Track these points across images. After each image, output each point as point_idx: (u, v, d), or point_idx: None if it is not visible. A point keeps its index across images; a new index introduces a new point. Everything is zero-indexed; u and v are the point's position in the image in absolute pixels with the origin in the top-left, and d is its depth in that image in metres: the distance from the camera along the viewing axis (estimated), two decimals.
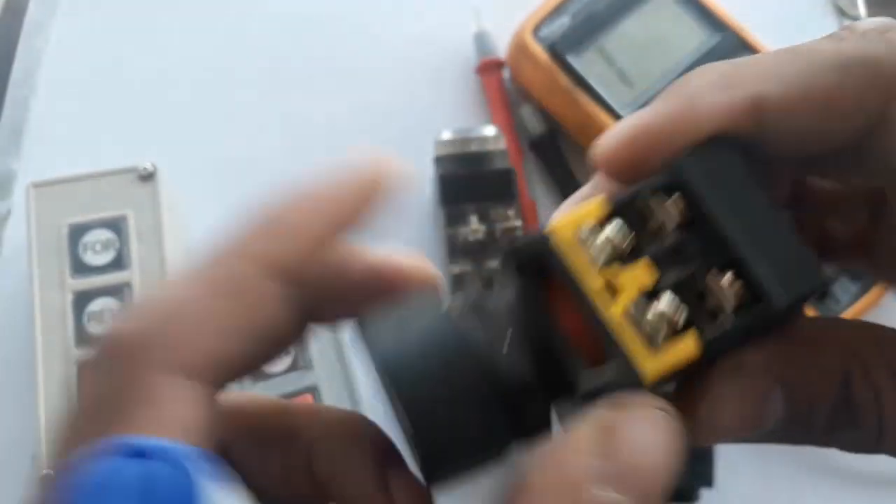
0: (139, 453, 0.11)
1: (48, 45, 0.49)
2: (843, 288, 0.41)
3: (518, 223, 0.42)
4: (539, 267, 0.16)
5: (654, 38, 0.45)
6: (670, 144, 0.16)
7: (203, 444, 0.14)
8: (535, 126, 0.46)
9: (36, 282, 0.38)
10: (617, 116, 0.43)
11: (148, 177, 0.40)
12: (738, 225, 0.15)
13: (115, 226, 0.39)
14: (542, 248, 0.16)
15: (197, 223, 0.43)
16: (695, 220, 0.15)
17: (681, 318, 0.15)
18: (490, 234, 0.42)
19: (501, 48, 0.48)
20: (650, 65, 0.44)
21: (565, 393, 0.16)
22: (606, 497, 0.13)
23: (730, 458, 0.41)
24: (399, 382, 0.16)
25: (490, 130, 0.43)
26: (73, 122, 0.47)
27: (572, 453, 0.14)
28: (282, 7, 0.50)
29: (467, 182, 0.42)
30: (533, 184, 0.47)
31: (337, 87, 0.48)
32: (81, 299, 0.38)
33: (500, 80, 0.48)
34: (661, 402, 0.15)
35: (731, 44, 0.45)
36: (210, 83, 0.48)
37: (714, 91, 0.16)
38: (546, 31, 0.45)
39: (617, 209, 0.16)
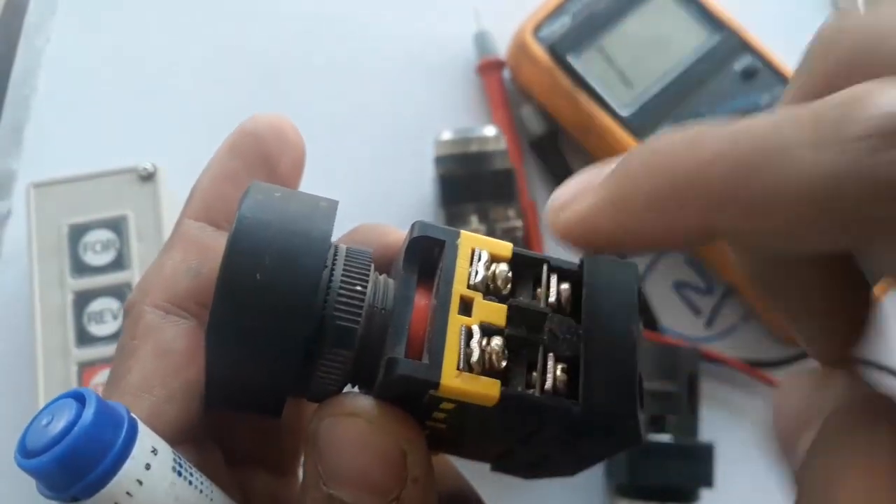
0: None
1: (48, 44, 0.49)
2: None
3: (518, 223, 0.42)
4: (433, 256, 0.17)
5: (654, 38, 0.45)
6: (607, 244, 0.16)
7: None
8: (536, 126, 0.46)
9: (36, 282, 0.38)
10: (617, 116, 0.43)
11: (148, 177, 0.40)
12: (598, 338, 0.16)
13: (115, 226, 0.39)
14: (449, 238, 0.17)
15: None
16: (571, 311, 0.17)
17: (499, 365, 0.16)
18: (490, 234, 0.42)
19: (502, 48, 0.48)
20: (650, 65, 0.44)
21: (370, 373, 0.17)
22: (323, 493, 0.16)
23: (729, 459, 0.41)
24: (235, 255, 0.16)
25: (490, 130, 0.43)
26: (73, 122, 0.47)
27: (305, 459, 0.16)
28: (282, 7, 0.50)
29: (467, 182, 0.42)
30: (533, 184, 0.47)
31: (337, 88, 0.48)
32: (81, 299, 0.38)
33: (500, 80, 0.48)
34: (362, 407, 0.16)
35: (731, 44, 0.45)
36: (210, 83, 0.48)
37: (664, 207, 0.14)
38: (546, 31, 0.45)
39: (517, 257, 0.17)
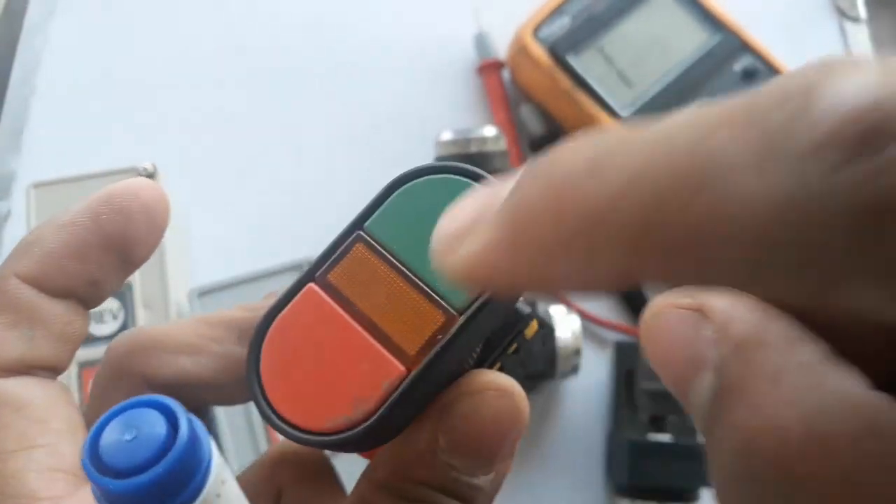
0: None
1: (48, 45, 0.49)
2: None
3: None
4: None
5: (654, 38, 0.45)
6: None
7: None
8: (536, 126, 0.46)
9: None
10: (617, 116, 0.43)
11: (148, 177, 0.40)
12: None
13: None
14: None
15: (197, 223, 0.43)
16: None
17: None
18: None
19: (502, 49, 0.48)
20: (650, 65, 0.44)
21: None
22: (445, 462, 0.16)
23: None
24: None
25: (490, 131, 0.43)
26: (74, 122, 0.47)
27: (420, 432, 0.17)
28: (283, 8, 0.50)
29: None
30: None
31: (338, 88, 0.48)
32: None
33: (500, 81, 0.48)
34: (508, 383, 0.17)
35: (731, 44, 0.45)
36: (210, 83, 0.48)
37: (570, 251, 0.11)
38: (546, 32, 0.45)
39: None
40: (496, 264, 0.12)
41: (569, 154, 0.11)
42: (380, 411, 0.16)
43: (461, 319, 0.16)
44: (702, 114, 0.10)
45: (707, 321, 0.14)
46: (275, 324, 0.17)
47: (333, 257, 0.18)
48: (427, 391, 0.17)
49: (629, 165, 0.10)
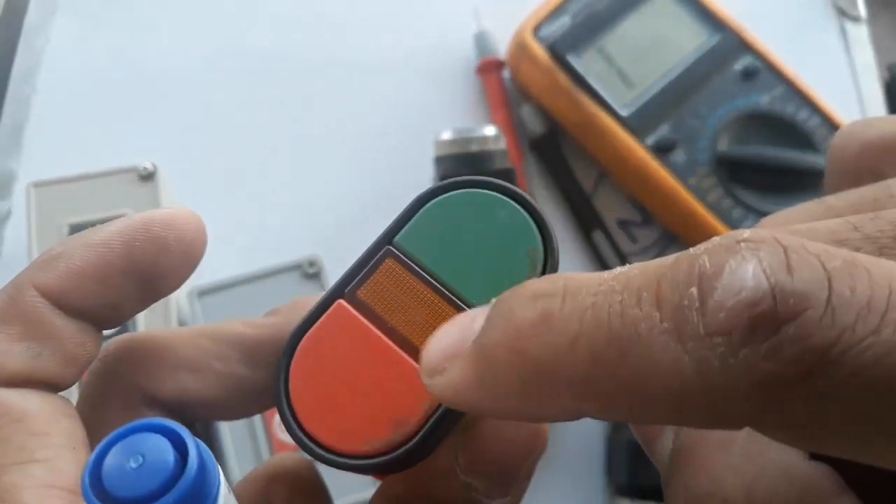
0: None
1: (48, 45, 0.49)
2: None
3: None
4: None
5: (654, 38, 0.45)
6: None
7: None
8: (536, 126, 0.46)
9: None
10: (617, 116, 0.43)
11: (148, 177, 0.40)
12: None
13: None
14: None
15: None
16: None
17: None
18: None
19: (502, 48, 0.48)
20: (650, 65, 0.44)
21: None
22: (463, 481, 0.16)
23: None
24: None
25: (490, 130, 0.43)
26: (73, 122, 0.47)
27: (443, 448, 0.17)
28: (282, 7, 0.50)
29: None
30: (533, 183, 0.47)
31: (337, 88, 0.48)
32: None
33: (500, 80, 0.48)
34: None
35: (731, 44, 0.45)
36: (210, 83, 0.48)
37: (529, 396, 0.13)
38: (546, 31, 0.45)
39: None
40: (469, 397, 0.13)
41: (527, 301, 0.13)
42: (421, 433, 0.15)
43: None
44: (632, 277, 0.12)
45: None
46: (303, 343, 0.17)
47: (362, 273, 0.17)
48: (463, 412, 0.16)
49: (573, 324, 0.12)
